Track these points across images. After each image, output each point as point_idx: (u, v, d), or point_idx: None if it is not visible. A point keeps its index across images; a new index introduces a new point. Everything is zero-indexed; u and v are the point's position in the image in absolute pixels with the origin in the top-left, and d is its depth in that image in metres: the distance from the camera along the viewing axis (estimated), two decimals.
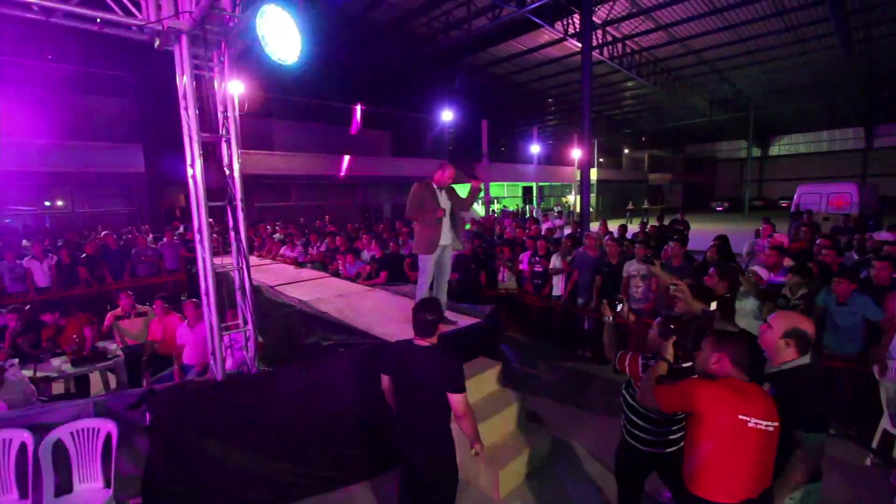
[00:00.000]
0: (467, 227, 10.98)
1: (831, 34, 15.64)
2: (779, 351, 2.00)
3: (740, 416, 1.70)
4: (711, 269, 3.62)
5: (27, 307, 5.04)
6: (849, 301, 3.75)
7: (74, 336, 4.63)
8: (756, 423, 1.70)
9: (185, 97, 3.10)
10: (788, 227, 11.23)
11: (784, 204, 28.30)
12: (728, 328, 2.66)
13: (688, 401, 1.81)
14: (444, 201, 3.96)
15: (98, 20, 2.87)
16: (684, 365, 2.19)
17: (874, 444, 3.46)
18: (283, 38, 3.05)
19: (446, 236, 4.02)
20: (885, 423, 3.39)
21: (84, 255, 7.80)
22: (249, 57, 4.10)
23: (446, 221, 3.99)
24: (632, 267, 5.38)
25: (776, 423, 1.73)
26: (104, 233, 9.44)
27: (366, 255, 7.42)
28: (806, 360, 2.01)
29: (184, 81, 3.08)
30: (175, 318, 4.92)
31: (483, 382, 3.82)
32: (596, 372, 5.36)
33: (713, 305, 2.60)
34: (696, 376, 1.97)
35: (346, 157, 17.67)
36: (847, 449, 3.61)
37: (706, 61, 19.56)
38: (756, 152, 36.47)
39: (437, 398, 2.32)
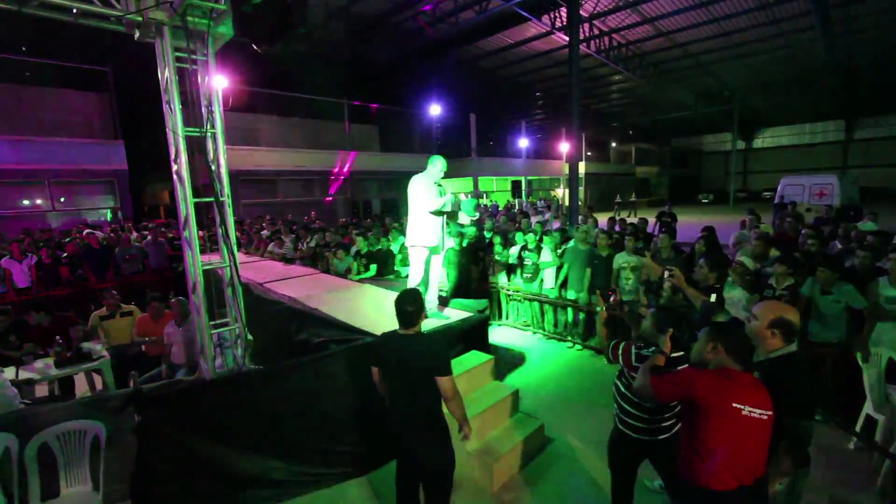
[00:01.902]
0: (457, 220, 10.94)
1: (812, 28, 15.90)
2: (765, 340, 2.03)
3: (735, 405, 1.72)
4: (700, 261, 3.67)
5: (9, 308, 4.91)
6: (833, 290, 3.82)
7: (58, 337, 4.52)
8: (750, 412, 1.72)
9: (167, 91, 3.02)
10: (772, 217, 11.43)
11: (767, 195, 28.83)
12: (719, 317, 2.69)
13: (685, 390, 1.84)
14: (442, 194, 3.94)
15: (74, 10, 2.77)
16: (674, 354, 2.22)
17: (857, 429, 3.55)
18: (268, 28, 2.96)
19: (442, 230, 4.03)
20: (868, 408, 3.47)
21: (65, 254, 7.61)
22: (233, 50, 4.01)
23: (441, 216, 3.99)
24: (622, 259, 5.42)
25: (770, 412, 1.75)
26: (86, 231, 9.22)
27: (353, 250, 7.36)
28: (792, 348, 2.04)
29: (166, 75, 3.00)
30: (165, 318, 4.87)
31: (476, 376, 3.82)
32: (588, 362, 5.40)
33: (713, 297, 2.63)
34: (687, 365, 1.99)
35: (334, 153, 17.48)
36: (832, 434, 3.70)
37: (691, 55, 19.75)
38: (740, 145, 37.01)
39: (425, 382, 2.38)
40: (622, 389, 2.44)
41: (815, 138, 37.58)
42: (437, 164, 3.91)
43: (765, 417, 1.74)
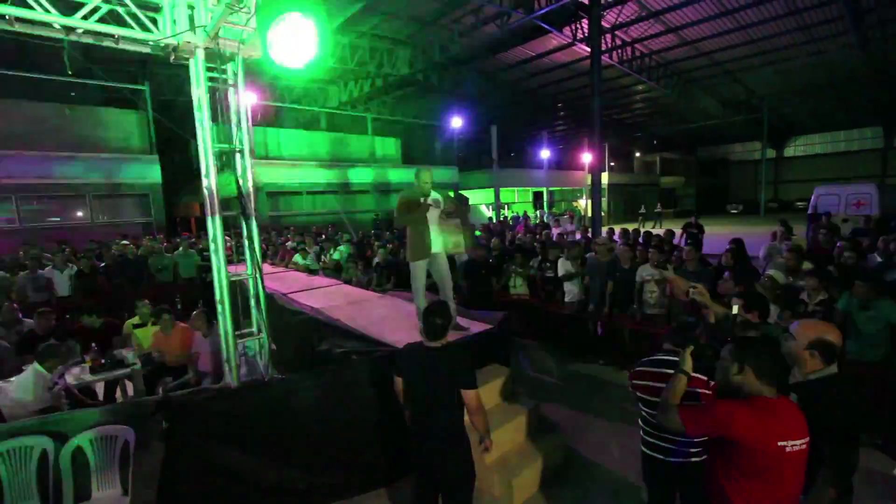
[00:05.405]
0: (477, 233, 10.96)
1: (846, 32, 15.37)
2: (803, 362, 1.92)
3: (779, 444, 1.61)
4: (726, 274, 3.57)
5: (50, 313, 5.11)
6: (872, 305, 3.64)
7: (93, 344, 4.71)
8: (793, 446, 1.62)
9: (200, 109, 3.16)
10: (806, 229, 11.01)
11: (800, 205, 27.78)
12: (749, 332, 2.60)
13: (721, 427, 1.68)
14: (429, 206, 3.88)
15: (115, 36, 2.95)
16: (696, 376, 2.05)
17: None
18: (293, 44, 3.02)
19: (436, 243, 3.95)
20: None
21: (103, 264, 7.97)
22: (260, 67, 4.16)
23: (435, 228, 3.94)
24: (645, 272, 5.31)
25: (807, 438, 1.65)
26: (123, 242, 9.64)
27: (374, 262, 7.44)
28: (833, 370, 1.93)
29: (198, 94, 3.14)
30: (183, 330, 4.92)
31: (495, 389, 3.79)
32: (609, 378, 5.29)
33: (735, 310, 2.53)
34: (726, 398, 1.81)
35: (356, 166, 17.80)
36: (874, 458, 3.49)
37: (718, 63, 19.35)
38: (770, 154, 35.89)
39: (450, 396, 2.38)
40: (643, 414, 2.37)
41: (852, 146, 36.09)
42: (421, 174, 3.88)
43: (804, 447, 1.64)
